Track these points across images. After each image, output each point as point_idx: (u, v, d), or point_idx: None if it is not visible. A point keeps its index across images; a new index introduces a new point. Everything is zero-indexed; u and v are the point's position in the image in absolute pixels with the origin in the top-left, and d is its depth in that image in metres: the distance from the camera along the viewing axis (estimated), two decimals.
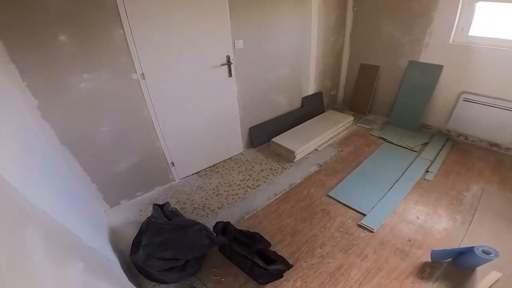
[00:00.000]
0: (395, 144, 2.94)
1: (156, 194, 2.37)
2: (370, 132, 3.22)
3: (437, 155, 2.72)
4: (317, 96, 3.57)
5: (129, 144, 2.09)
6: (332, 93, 3.88)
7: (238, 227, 1.84)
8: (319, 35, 3.16)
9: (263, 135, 3.04)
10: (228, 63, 2.41)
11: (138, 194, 2.31)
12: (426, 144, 2.91)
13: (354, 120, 3.42)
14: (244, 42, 2.49)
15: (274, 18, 2.65)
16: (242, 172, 2.63)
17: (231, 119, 2.72)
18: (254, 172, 2.62)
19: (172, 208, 1.81)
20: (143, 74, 1.95)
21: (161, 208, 1.76)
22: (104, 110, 1.88)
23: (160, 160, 2.33)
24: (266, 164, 2.74)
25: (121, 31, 1.75)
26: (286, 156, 2.81)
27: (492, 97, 2.59)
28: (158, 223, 1.62)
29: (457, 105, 2.81)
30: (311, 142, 2.86)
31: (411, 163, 2.63)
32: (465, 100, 2.73)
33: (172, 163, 2.41)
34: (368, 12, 3.25)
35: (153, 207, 1.75)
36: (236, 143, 2.89)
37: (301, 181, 2.46)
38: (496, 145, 2.76)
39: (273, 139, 2.92)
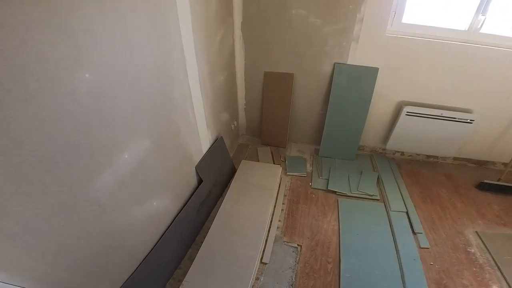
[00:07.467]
0: (352, 197, 1.98)
1: None
2: (312, 186, 2.06)
3: (402, 197, 2.00)
4: (217, 148, 1.91)
5: None
6: (232, 126, 2.28)
7: None
8: (195, 30, 1.39)
9: None
10: None
11: None
12: (378, 180, 2.12)
13: (280, 167, 2.09)
14: None
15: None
16: None
17: None
18: None
19: None
20: None
21: None
22: None
23: None
24: None
25: None
26: None
27: (435, 105, 2.05)
28: None
29: (398, 120, 2.08)
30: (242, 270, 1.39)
31: (392, 226, 1.78)
32: (409, 114, 2.04)
33: None
34: None
35: None
36: None
37: None
38: (433, 156, 2.36)
39: None
